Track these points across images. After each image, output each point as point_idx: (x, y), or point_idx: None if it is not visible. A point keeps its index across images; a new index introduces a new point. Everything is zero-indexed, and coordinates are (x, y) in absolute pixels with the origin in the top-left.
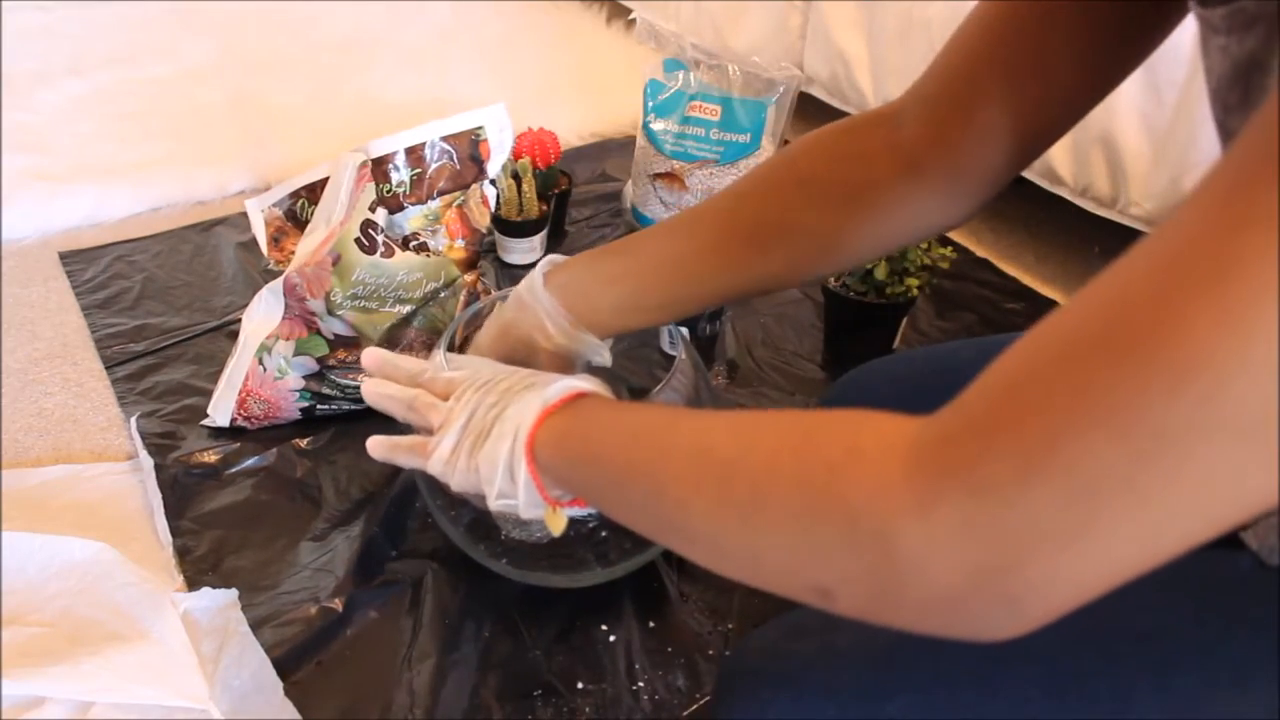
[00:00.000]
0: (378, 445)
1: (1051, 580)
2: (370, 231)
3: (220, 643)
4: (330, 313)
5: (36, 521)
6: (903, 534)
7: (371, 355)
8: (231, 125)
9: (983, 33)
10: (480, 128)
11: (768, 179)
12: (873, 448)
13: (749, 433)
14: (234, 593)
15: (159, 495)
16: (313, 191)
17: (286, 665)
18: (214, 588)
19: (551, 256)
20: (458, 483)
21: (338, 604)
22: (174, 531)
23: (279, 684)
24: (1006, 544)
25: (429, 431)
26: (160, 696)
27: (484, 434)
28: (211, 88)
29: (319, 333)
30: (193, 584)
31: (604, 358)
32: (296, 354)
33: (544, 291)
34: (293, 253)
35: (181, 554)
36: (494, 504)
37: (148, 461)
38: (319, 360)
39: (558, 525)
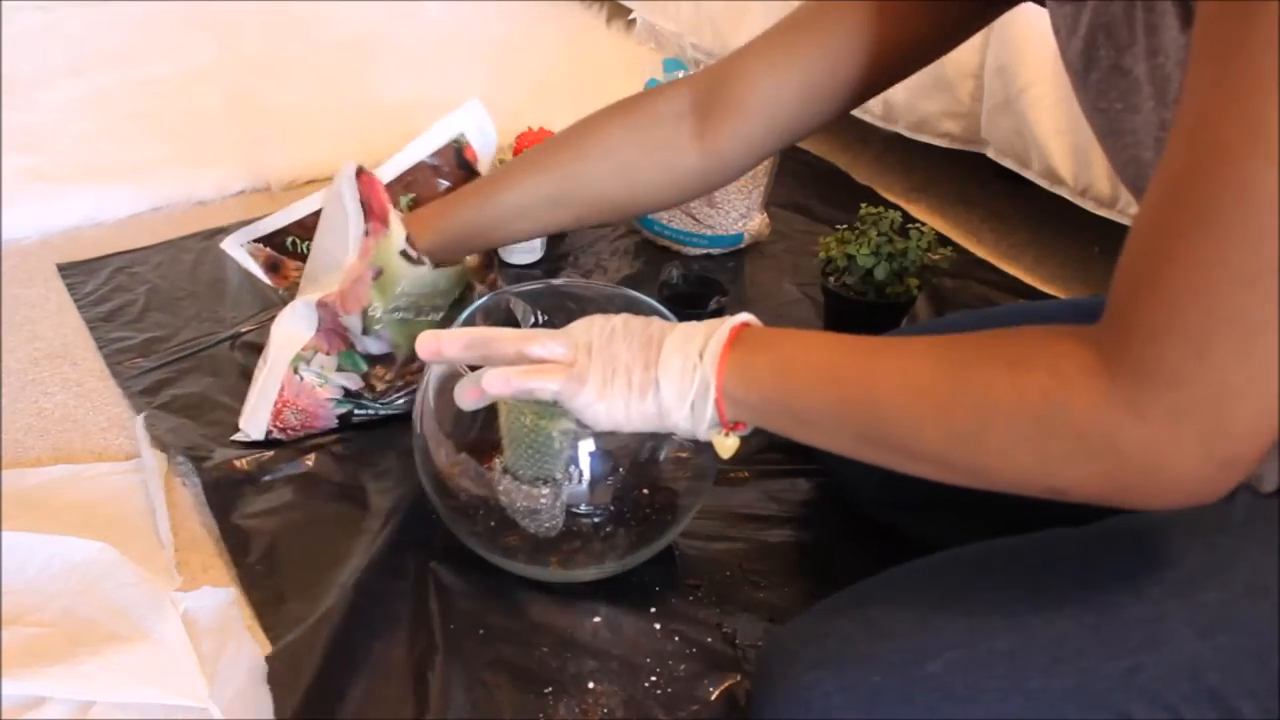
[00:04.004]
0: (498, 378)
1: (1249, 422)
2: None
3: (219, 642)
4: (366, 330)
5: (37, 521)
6: (1127, 438)
7: (457, 335)
8: (232, 126)
9: None
10: (460, 135)
11: (574, 147)
12: (1073, 371)
13: (953, 364)
14: (233, 592)
15: (161, 495)
16: (302, 227)
17: (290, 668)
18: (213, 588)
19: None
20: (602, 416)
21: (341, 606)
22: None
23: None
24: (1209, 413)
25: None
26: (160, 696)
27: (645, 364)
28: (212, 88)
29: (354, 349)
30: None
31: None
32: (339, 369)
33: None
34: (295, 275)
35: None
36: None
37: (151, 461)
38: (363, 376)
39: (728, 449)
